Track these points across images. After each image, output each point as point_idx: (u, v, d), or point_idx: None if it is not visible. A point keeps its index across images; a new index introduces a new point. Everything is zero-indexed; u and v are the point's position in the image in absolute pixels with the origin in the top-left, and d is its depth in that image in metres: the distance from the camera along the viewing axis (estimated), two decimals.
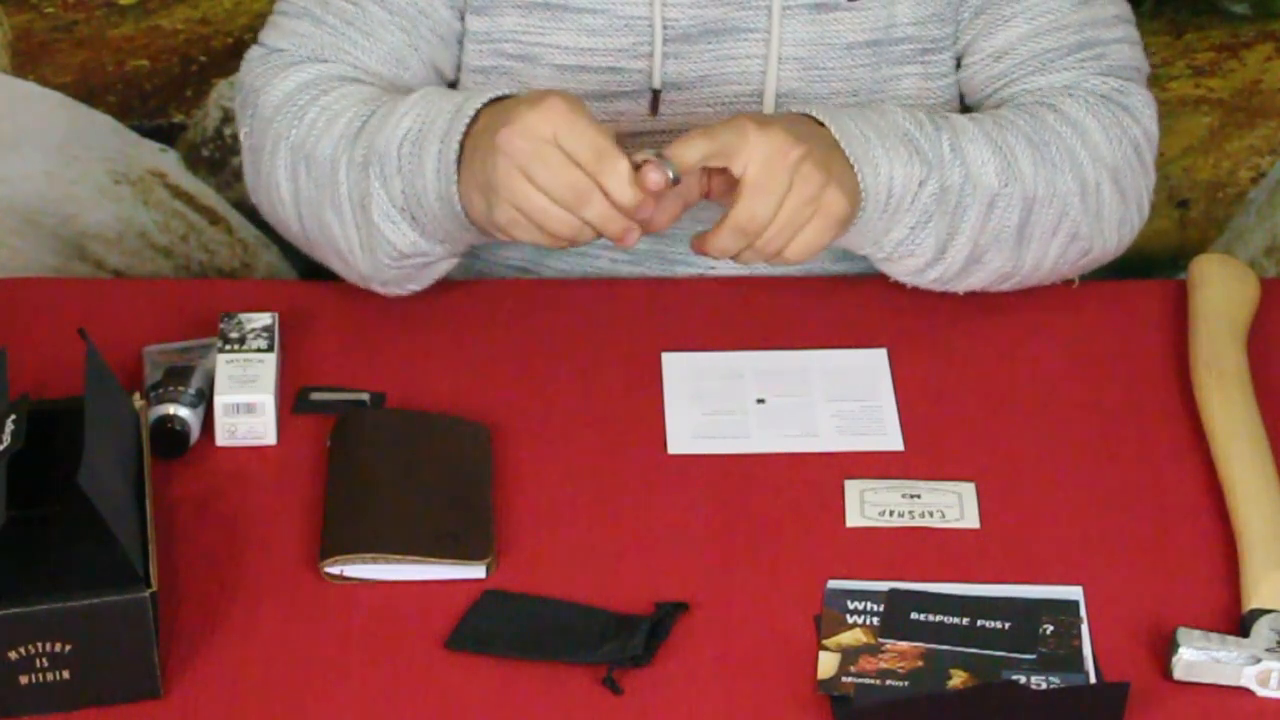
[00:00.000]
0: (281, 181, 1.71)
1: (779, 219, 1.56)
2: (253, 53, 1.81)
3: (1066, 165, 1.70)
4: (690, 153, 1.56)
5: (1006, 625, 1.45)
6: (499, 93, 1.62)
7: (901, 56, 1.78)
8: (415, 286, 1.73)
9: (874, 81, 1.78)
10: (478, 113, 1.60)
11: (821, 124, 1.62)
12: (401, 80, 1.76)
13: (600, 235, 1.56)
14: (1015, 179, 1.68)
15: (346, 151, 1.66)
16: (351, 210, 1.67)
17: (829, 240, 1.60)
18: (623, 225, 1.55)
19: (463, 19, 1.78)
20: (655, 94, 1.77)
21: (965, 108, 1.84)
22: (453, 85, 1.82)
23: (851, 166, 1.61)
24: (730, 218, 1.57)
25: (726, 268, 1.80)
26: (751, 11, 1.75)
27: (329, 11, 1.76)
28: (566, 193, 1.53)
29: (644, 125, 1.78)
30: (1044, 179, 1.69)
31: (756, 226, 1.57)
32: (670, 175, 1.55)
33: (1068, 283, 1.79)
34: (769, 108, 1.77)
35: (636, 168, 1.54)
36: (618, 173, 1.52)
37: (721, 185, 1.61)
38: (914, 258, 1.69)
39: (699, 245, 1.61)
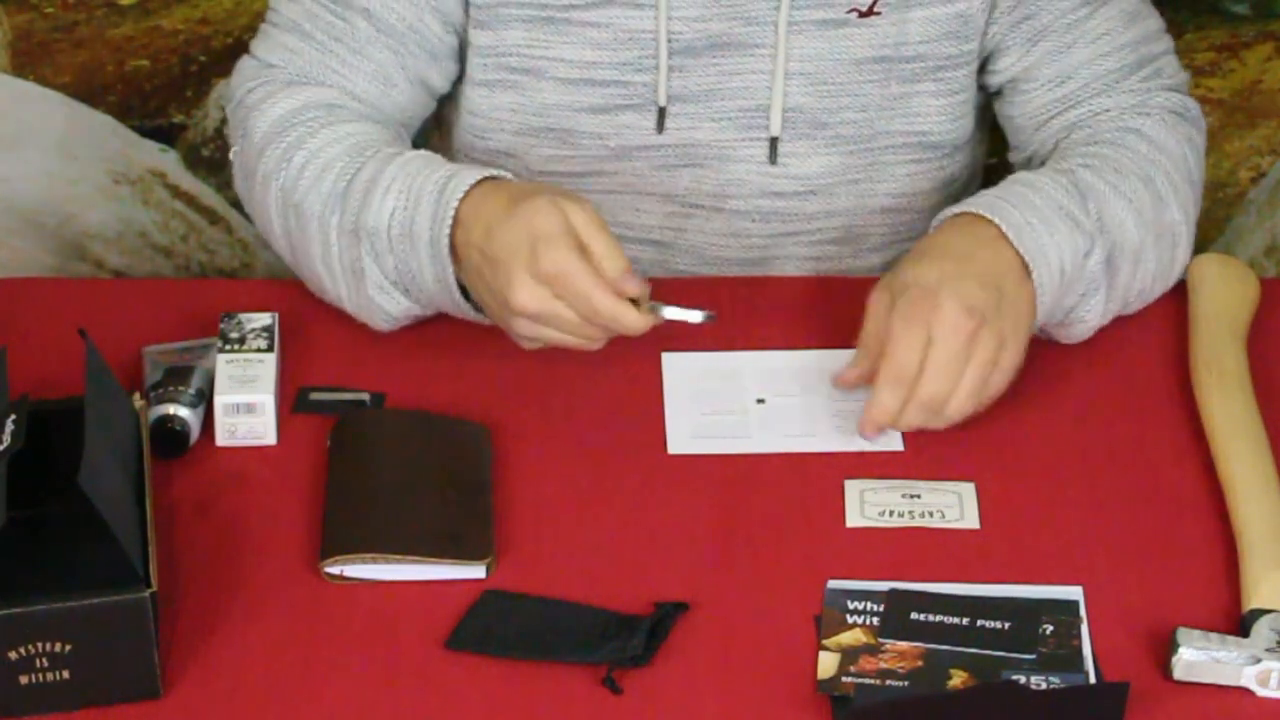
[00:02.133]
0: (274, 219, 1.71)
1: (962, 387, 1.57)
2: (245, 65, 1.80)
3: (1171, 195, 1.72)
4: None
5: (1006, 625, 1.45)
6: (478, 176, 1.60)
7: (912, 74, 1.77)
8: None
9: (883, 98, 1.77)
10: (469, 189, 1.59)
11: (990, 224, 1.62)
12: (388, 99, 1.76)
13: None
14: (1149, 225, 1.69)
15: (336, 212, 1.65)
16: (343, 272, 1.66)
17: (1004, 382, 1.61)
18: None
19: (459, 34, 1.77)
20: (661, 111, 1.76)
21: (995, 128, 1.83)
22: (445, 99, 1.82)
23: (1024, 263, 1.60)
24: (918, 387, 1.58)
25: (732, 269, 1.80)
26: (758, 27, 1.74)
27: (317, 27, 1.75)
28: (583, 334, 1.57)
29: (650, 140, 1.78)
30: (1162, 217, 1.70)
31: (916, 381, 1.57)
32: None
33: None
34: (776, 123, 1.76)
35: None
36: (627, 325, 1.56)
37: None
38: (1084, 324, 1.69)
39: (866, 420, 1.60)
